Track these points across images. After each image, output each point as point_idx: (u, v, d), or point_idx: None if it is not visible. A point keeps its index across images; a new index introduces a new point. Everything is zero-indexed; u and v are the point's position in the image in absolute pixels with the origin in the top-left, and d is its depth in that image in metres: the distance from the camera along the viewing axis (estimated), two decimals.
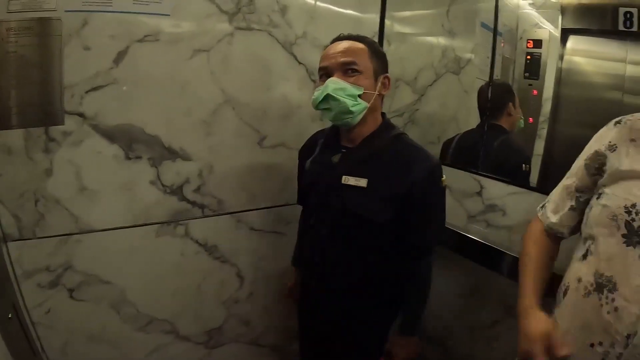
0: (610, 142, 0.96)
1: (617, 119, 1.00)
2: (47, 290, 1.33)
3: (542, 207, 1.15)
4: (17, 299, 1.29)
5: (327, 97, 1.21)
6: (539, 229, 1.13)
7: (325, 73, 1.25)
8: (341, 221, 1.32)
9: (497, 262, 1.50)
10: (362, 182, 1.26)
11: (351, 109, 1.22)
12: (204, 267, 1.60)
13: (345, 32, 1.32)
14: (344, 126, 1.29)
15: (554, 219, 1.08)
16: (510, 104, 1.65)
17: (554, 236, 1.08)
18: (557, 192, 1.11)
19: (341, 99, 1.21)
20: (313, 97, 1.25)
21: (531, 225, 1.16)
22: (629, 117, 0.98)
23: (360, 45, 1.27)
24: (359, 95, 1.23)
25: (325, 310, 1.41)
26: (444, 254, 1.57)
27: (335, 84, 1.21)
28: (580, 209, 1.03)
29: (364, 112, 1.25)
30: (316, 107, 1.26)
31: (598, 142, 1.01)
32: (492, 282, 1.53)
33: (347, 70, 1.24)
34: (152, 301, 1.51)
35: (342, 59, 1.24)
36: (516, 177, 1.61)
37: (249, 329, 1.78)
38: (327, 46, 1.30)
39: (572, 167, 1.08)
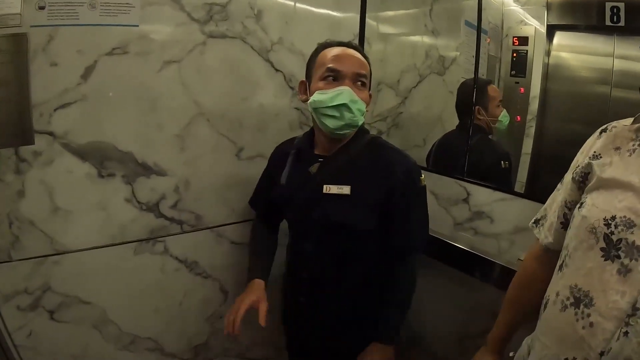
0: (594, 152, 0.94)
1: (602, 127, 0.97)
2: (28, 312, 1.30)
3: (535, 222, 1.12)
4: None
5: (341, 106, 1.18)
6: (531, 259, 1.14)
7: (335, 76, 1.22)
8: (325, 233, 1.30)
9: (484, 271, 1.47)
10: (346, 190, 1.24)
11: (358, 123, 1.22)
12: (185, 283, 1.57)
13: (324, 35, 1.33)
14: (336, 136, 1.27)
15: (550, 238, 1.05)
16: (478, 108, 1.62)
17: (553, 254, 1.06)
18: (550, 207, 1.08)
19: (356, 112, 1.19)
20: (318, 98, 1.21)
21: (527, 255, 1.18)
22: (614, 123, 0.95)
23: (366, 62, 1.27)
24: (362, 113, 1.23)
25: (316, 325, 1.39)
26: (431, 264, 1.55)
27: (351, 96, 1.19)
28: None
29: None
30: (318, 109, 1.21)
31: (584, 154, 0.98)
32: (480, 290, 1.50)
33: (358, 82, 1.22)
34: (134, 320, 1.49)
35: (359, 70, 1.23)
36: (496, 175, 1.60)
37: (236, 343, 1.75)
38: (327, 45, 1.29)
39: (562, 181, 1.05)
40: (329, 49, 1.27)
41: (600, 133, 0.96)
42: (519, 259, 1.37)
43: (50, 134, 1.26)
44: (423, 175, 1.31)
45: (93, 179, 1.34)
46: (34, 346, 1.33)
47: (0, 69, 1.18)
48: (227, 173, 1.59)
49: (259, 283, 1.38)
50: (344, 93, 1.18)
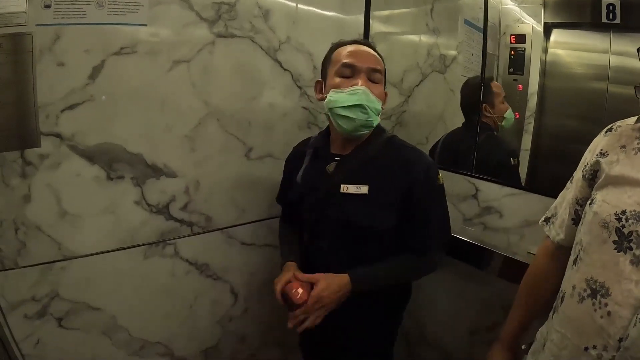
0: (601, 150, 0.98)
1: (608, 127, 1.01)
2: (35, 320, 1.27)
3: (546, 220, 1.15)
4: (5, 332, 1.23)
5: (356, 107, 1.18)
6: (543, 256, 1.17)
7: (349, 72, 1.22)
8: (341, 232, 1.29)
9: (494, 265, 1.50)
10: (364, 189, 1.24)
11: (373, 124, 1.21)
12: (195, 286, 1.56)
13: (330, 35, 1.35)
14: (351, 137, 1.26)
15: (562, 234, 1.09)
16: (485, 105, 1.65)
17: (565, 251, 1.08)
18: (561, 205, 1.11)
19: (370, 113, 1.19)
20: (334, 97, 1.20)
21: (538, 252, 1.19)
22: (619, 123, 0.99)
23: (380, 58, 1.28)
24: (378, 113, 1.23)
25: (332, 323, 1.38)
26: (440, 259, 1.56)
27: (367, 96, 1.19)
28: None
29: None
30: (333, 109, 1.20)
31: (591, 152, 1.02)
32: (490, 284, 1.53)
33: (372, 78, 1.22)
34: (144, 324, 1.47)
35: (374, 66, 1.23)
36: (505, 172, 1.62)
37: (246, 344, 1.75)
38: (341, 44, 1.29)
39: (571, 179, 1.09)
40: (344, 46, 1.27)
41: (606, 132, 1.00)
42: (528, 252, 1.40)
43: (57, 135, 1.23)
44: (440, 174, 1.31)
45: (101, 181, 1.31)
46: (42, 355, 1.30)
47: (4, 69, 1.14)
48: (236, 173, 1.57)
49: (291, 264, 1.34)
50: (359, 93, 1.18)
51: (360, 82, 1.20)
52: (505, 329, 1.22)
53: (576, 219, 1.04)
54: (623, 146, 0.94)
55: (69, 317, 1.32)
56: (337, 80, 1.23)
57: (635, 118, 0.95)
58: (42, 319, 1.28)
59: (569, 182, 1.09)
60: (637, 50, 0.92)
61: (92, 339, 1.37)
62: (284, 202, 1.53)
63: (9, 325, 1.23)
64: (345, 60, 1.23)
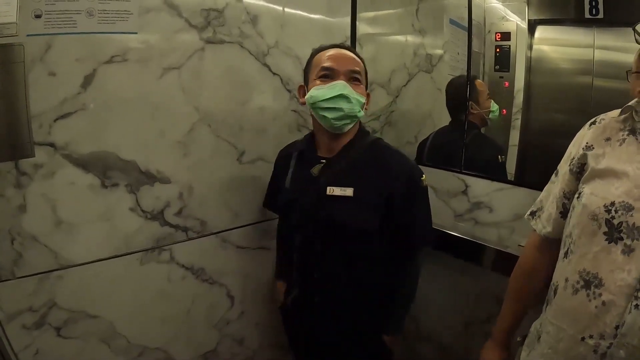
0: (587, 143, 1.00)
1: (591, 120, 1.03)
2: (33, 331, 1.26)
3: (531, 214, 1.17)
4: (3, 343, 1.23)
5: (339, 97, 1.21)
6: (531, 249, 1.18)
7: (330, 74, 1.25)
8: (331, 234, 1.31)
9: (486, 259, 1.52)
10: (349, 192, 1.26)
11: (357, 114, 1.24)
12: (192, 290, 1.56)
13: (318, 38, 1.38)
14: (337, 131, 1.28)
15: (549, 227, 1.10)
16: (471, 103, 1.68)
17: (552, 243, 1.10)
18: (546, 199, 1.12)
19: (354, 101, 1.22)
20: (315, 94, 1.23)
21: (526, 245, 1.21)
22: (602, 116, 1.01)
23: (359, 60, 1.31)
24: (361, 105, 1.26)
25: (330, 324, 1.39)
26: (433, 255, 1.57)
27: (347, 87, 1.22)
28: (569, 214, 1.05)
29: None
30: (316, 104, 1.23)
31: (576, 145, 1.04)
32: (483, 277, 1.55)
33: (352, 78, 1.25)
34: (142, 331, 1.47)
35: (352, 67, 1.26)
36: (493, 169, 1.65)
37: (244, 347, 1.75)
38: (321, 49, 1.32)
39: (557, 172, 1.10)
40: (324, 51, 1.31)
41: (590, 125, 1.02)
42: (519, 245, 1.42)
43: (51, 145, 1.23)
44: (424, 175, 1.34)
45: (96, 189, 1.31)
46: None
47: None
48: (229, 177, 1.58)
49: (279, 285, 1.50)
50: (338, 85, 1.22)
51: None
52: (498, 325, 1.23)
53: (564, 212, 1.06)
54: (608, 139, 0.96)
55: (67, 326, 1.31)
56: (318, 82, 1.26)
57: (619, 110, 0.97)
58: (41, 329, 1.27)
59: (553, 175, 1.11)
60: (632, 28, 0.94)
61: (91, 347, 1.37)
62: (273, 207, 1.56)
63: (7, 336, 1.23)
64: (325, 64, 1.26)
